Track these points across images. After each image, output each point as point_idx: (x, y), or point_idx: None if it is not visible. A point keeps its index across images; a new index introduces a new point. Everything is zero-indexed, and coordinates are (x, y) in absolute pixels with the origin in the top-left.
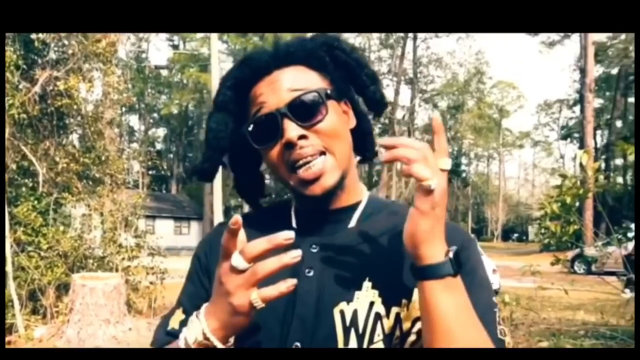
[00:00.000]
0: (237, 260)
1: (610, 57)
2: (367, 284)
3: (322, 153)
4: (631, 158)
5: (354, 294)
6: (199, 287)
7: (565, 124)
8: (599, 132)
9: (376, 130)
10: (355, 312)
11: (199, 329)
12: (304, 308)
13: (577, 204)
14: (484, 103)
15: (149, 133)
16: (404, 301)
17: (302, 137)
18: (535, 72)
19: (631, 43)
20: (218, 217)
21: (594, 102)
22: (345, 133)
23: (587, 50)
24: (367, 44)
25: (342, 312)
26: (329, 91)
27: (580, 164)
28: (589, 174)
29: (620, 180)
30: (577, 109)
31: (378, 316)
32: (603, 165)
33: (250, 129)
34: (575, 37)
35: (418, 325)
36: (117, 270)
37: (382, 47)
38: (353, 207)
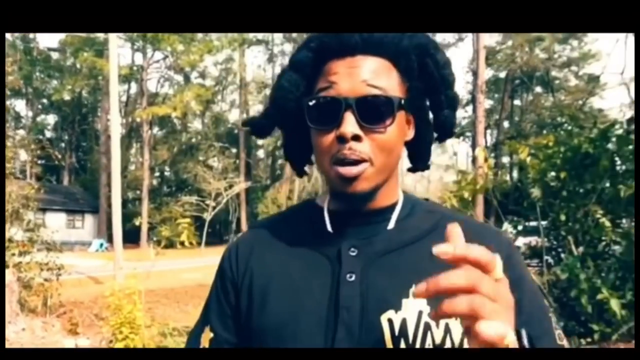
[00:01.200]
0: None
1: (499, 61)
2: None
3: (365, 160)
4: (522, 156)
5: (401, 302)
6: (224, 304)
7: (459, 122)
8: (488, 131)
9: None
10: (404, 321)
11: None
12: (349, 316)
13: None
14: None
15: (38, 120)
16: None
17: (356, 137)
18: None
19: (517, 49)
20: (116, 211)
21: (485, 103)
22: (398, 147)
23: (479, 54)
24: (270, 36)
25: (390, 321)
26: (402, 101)
27: (474, 161)
28: (486, 171)
29: (507, 177)
30: (469, 108)
31: (428, 326)
32: (492, 163)
33: (310, 103)
34: (469, 40)
35: (440, 332)
36: (7, 266)
37: (285, 41)
38: (390, 208)
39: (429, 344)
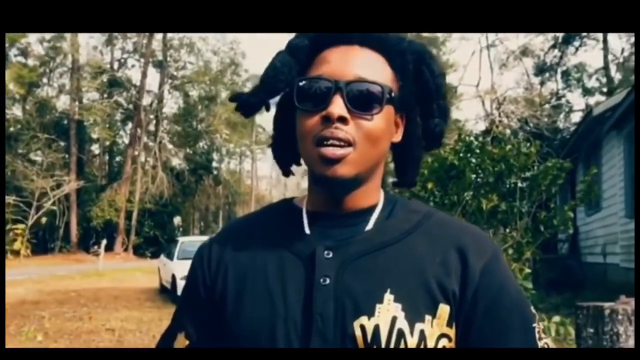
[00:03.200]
0: None
1: None
2: (388, 297)
3: (350, 145)
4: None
5: (374, 307)
6: (199, 309)
7: None
8: None
9: (118, 116)
10: (376, 328)
11: None
12: (323, 323)
13: None
14: None
15: None
16: (427, 317)
17: (343, 118)
18: None
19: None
20: None
21: None
22: (383, 142)
23: None
24: None
25: (362, 328)
26: (392, 94)
27: None
28: None
29: None
30: None
31: (401, 333)
32: None
33: (300, 83)
34: None
35: (442, 342)
36: None
37: None
38: (370, 210)
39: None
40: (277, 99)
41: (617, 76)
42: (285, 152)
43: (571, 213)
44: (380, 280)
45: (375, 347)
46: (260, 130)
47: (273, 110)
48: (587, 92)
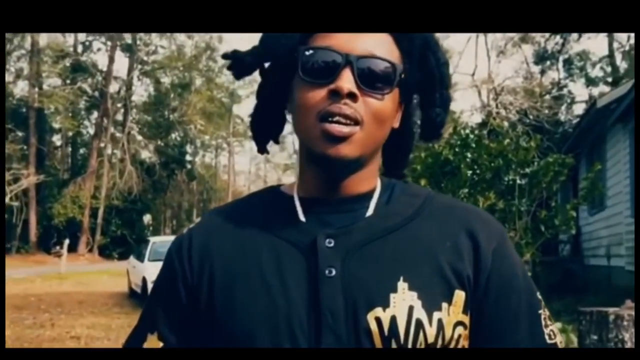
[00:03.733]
0: None
1: None
2: (402, 285)
3: (357, 123)
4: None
5: (389, 297)
6: (176, 309)
7: None
8: None
9: (82, 104)
10: (393, 320)
11: None
12: (334, 318)
13: None
14: (215, 84)
15: None
16: (444, 305)
17: (352, 95)
18: None
19: None
20: None
21: None
22: (388, 125)
23: None
24: None
25: (378, 320)
26: (403, 75)
27: None
28: None
29: None
30: None
31: (419, 323)
32: None
33: (307, 52)
34: None
35: (458, 330)
36: None
37: None
38: (368, 195)
39: (420, 343)
40: (267, 65)
41: (622, 65)
42: (267, 125)
43: (574, 212)
44: (391, 268)
45: (393, 340)
46: (238, 122)
47: (253, 101)
48: (590, 82)
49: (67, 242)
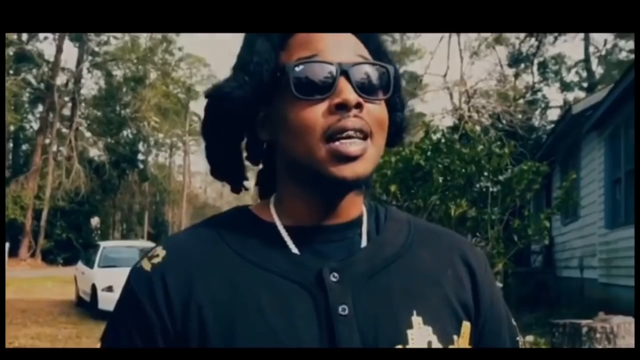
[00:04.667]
0: None
1: None
2: (417, 319)
3: (366, 137)
4: None
5: (406, 334)
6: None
7: None
8: None
9: (25, 97)
10: None
11: None
12: None
13: None
14: (171, 79)
15: None
16: (454, 338)
17: (359, 105)
18: (231, 51)
19: None
20: None
21: None
22: (386, 132)
23: None
24: None
25: None
26: (395, 76)
27: None
28: None
29: None
30: None
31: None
32: None
33: (297, 69)
34: None
35: None
36: None
37: None
38: (357, 221)
39: None
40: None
41: (598, 70)
42: (234, 160)
43: (547, 222)
44: (402, 302)
45: None
46: (195, 119)
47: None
48: (565, 86)
49: (7, 245)
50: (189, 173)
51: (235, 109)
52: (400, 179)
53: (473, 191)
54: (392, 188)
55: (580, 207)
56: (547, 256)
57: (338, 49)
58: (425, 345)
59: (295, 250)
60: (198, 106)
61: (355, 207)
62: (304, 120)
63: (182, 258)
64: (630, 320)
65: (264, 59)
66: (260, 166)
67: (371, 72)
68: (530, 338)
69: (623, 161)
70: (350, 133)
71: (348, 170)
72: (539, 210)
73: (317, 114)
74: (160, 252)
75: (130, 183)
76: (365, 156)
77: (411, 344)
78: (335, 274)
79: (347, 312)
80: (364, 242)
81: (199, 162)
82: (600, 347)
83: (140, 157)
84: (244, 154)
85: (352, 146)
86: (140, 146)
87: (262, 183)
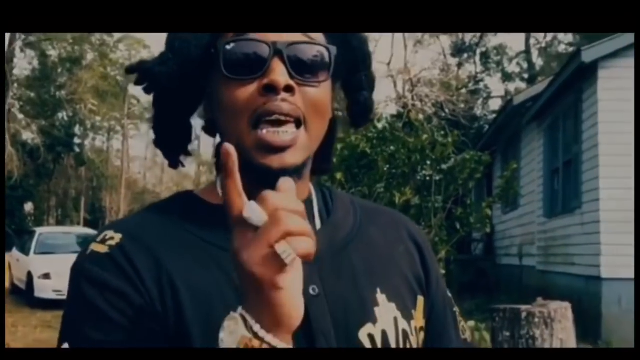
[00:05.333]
0: (254, 211)
1: None
2: (381, 297)
3: (298, 123)
4: None
5: (374, 312)
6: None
7: None
8: None
9: None
10: (385, 334)
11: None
12: (327, 340)
13: None
14: (109, 60)
15: None
16: (413, 312)
17: (290, 88)
18: None
19: None
20: None
21: None
22: (327, 117)
23: None
24: None
25: (371, 337)
26: (336, 58)
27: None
28: None
29: None
30: None
31: (405, 334)
32: None
33: (228, 47)
34: None
35: (421, 336)
36: None
37: None
38: (307, 203)
39: None
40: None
41: (538, 62)
42: (177, 136)
43: (489, 211)
44: (365, 281)
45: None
46: (134, 102)
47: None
48: (507, 77)
49: None
50: (127, 158)
51: (158, 84)
52: (345, 166)
53: (417, 179)
54: (338, 176)
55: (520, 196)
56: (488, 244)
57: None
58: (392, 322)
59: None
60: (137, 89)
61: (303, 189)
62: (233, 102)
63: (142, 241)
64: (567, 305)
65: (194, 37)
66: (218, 139)
67: (309, 52)
68: (471, 323)
69: (561, 152)
70: (280, 117)
71: (275, 161)
72: (481, 199)
73: (245, 95)
74: (114, 235)
75: (65, 167)
76: (296, 146)
77: (380, 322)
78: None
79: (317, 292)
80: (318, 224)
81: (138, 147)
82: (538, 331)
83: (77, 140)
84: (202, 126)
85: (279, 136)
86: (77, 129)
87: (217, 157)
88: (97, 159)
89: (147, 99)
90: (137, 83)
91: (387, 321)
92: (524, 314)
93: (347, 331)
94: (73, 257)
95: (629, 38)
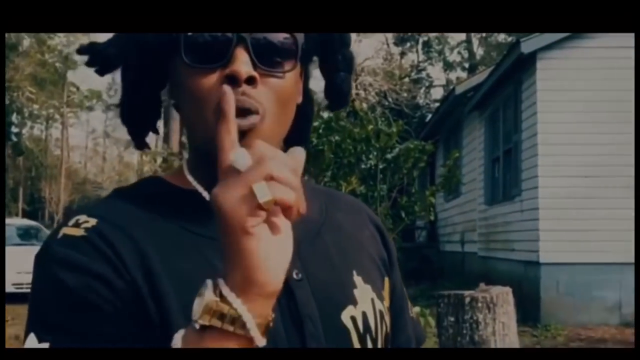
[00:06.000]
0: (241, 156)
1: None
2: (358, 279)
3: (258, 112)
4: None
5: (353, 294)
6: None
7: None
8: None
9: None
10: (365, 315)
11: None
12: (314, 325)
13: None
14: (47, 47)
15: None
16: (383, 292)
17: (252, 79)
18: None
19: None
20: None
21: None
22: (292, 105)
23: None
24: None
25: (353, 319)
26: (305, 45)
27: (166, 139)
28: (186, 157)
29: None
30: None
31: (382, 314)
32: None
33: (189, 34)
34: None
35: (387, 318)
36: None
37: None
38: None
39: (384, 333)
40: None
41: (479, 51)
42: (143, 113)
43: (433, 199)
44: (342, 264)
45: (367, 335)
46: (74, 90)
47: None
48: (448, 66)
49: None
50: (67, 147)
51: (112, 67)
52: None
53: (362, 169)
54: None
55: (461, 184)
56: (431, 231)
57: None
58: (370, 303)
59: None
60: (76, 76)
61: None
62: (195, 91)
63: (118, 226)
64: (508, 290)
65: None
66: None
67: (274, 40)
68: (417, 309)
69: (502, 141)
70: (240, 110)
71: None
72: (424, 188)
73: (208, 85)
74: (88, 219)
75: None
76: (253, 133)
77: (360, 304)
78: None
79: (300, 276)
80: None
81: (78, 136)
82: (481, 315)
83: (14, 129)
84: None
85: (240, 123)
86: (14, 118)
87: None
88: (35, 148)
89: (86, 87)
90: (88, 64)
91: (366, 302)
92: (467, 299)
93: (330, 314)
94: (14, 250)
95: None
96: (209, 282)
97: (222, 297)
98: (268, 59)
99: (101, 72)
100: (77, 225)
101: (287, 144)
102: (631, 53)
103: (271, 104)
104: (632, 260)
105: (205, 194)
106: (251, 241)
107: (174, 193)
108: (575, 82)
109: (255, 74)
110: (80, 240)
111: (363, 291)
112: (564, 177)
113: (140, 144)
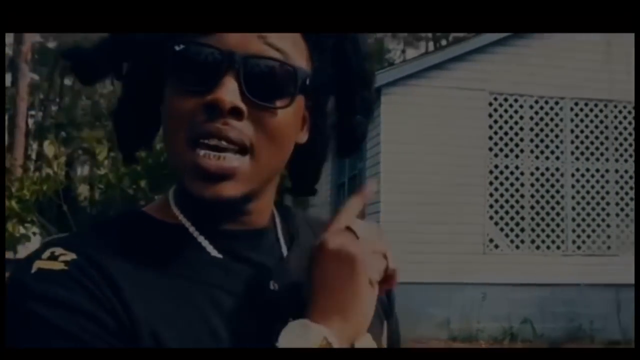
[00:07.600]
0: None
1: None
2: None
3: (244, 151)
4: (100, 157)
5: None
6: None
7: None
8: (32, 112)
9: None
10: None
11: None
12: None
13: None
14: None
15: None
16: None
17: (237, 110)
18: None
19: None
20: None
21: (28, 75)
22: (288, 144)
23: None
24: None
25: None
26: (308, 81)
27: (39, 156)
28: (56, 170)
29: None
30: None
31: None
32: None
33: (177, 48)
34: None
35: None
36: None
37: None
38: (269, 228)
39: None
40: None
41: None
42: (138, 127)
43: None
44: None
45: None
46: None
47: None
48: None
49: None
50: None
51: (90, 78)
52: (149, 175)
53: None
54: (142, 184)
55: (309, 207)
56: None
57: (242, 36)
58: None
59: (216, 253)
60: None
61: (263, 217)
62: (174, 114)
63: (98, 263)
64: None
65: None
66: None
67: (271, 70)
68: None
69: (347, 168)
70: (220, 143)
71: (209, 190)
72: None
73: (187, 108)
74: (66, 252)
75: None
76: (236, 176)
77: None
78: (275, 284)
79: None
80: (284, 251)
81: None
82: None
83: None
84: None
85: (217, 161)
86: None
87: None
88: None
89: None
90: (72, 70)
91: None
92: None
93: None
94: None
95: (406, 69)
96: (315, 329)
97: (328, 343)
98: (260, 90)
99: (86, 80)
100: (53, 258)
101: (296, 188)
102: (464, 94)
103: (260, 142)
104: (462, 280)
105: (192, 230)
106: (372, 292)
107: (157, 228)
108: (415, 117)
109: (241, 105)
110: (61, 274)
111: None
112: (404, 197)
113: (129, 159)
